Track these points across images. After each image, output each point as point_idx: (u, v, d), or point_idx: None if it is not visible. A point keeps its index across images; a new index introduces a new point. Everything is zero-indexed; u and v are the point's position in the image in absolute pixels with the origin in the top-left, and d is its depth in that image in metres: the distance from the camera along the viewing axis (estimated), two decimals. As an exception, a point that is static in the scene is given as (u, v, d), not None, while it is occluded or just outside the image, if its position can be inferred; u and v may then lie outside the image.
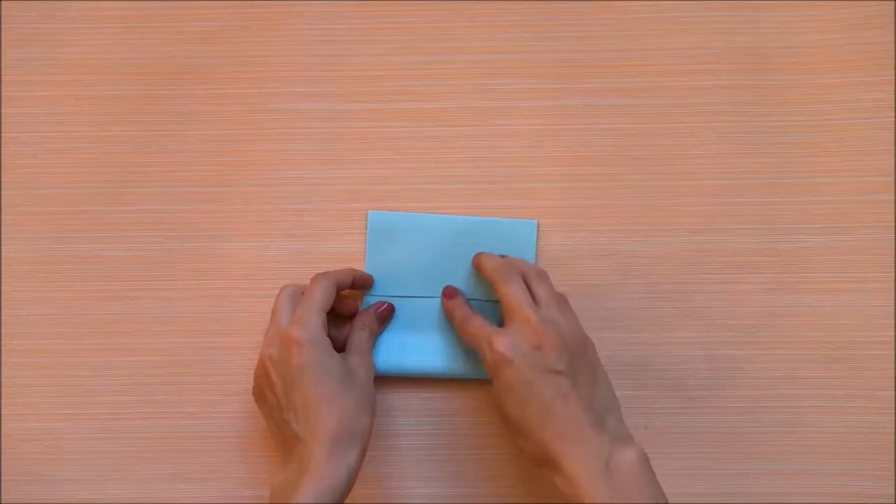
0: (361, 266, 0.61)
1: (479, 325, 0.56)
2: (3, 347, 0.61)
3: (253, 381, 0.57)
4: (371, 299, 0.61)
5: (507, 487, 0.61)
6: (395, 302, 0.61)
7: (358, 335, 0.58)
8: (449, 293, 0.60)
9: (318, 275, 0.58)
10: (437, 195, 0.62)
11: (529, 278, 0.56)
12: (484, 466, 0.61)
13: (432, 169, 0.62)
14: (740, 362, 0.60)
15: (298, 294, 0.58)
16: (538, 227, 0.61)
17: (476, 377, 0.60)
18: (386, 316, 0.60)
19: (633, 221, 0.61)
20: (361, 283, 0.60)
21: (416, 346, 0.60)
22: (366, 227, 0.62)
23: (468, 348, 0.58)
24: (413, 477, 0.61)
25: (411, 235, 0.61)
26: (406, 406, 0.61)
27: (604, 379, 0.54)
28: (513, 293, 0.55)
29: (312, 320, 0.55)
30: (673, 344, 0.60)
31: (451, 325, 0.59)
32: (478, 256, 0.59)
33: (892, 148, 0.61)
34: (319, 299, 0.56)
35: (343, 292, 0.59)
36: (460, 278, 0.60)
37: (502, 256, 0.59)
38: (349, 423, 0.53)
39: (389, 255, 0.61)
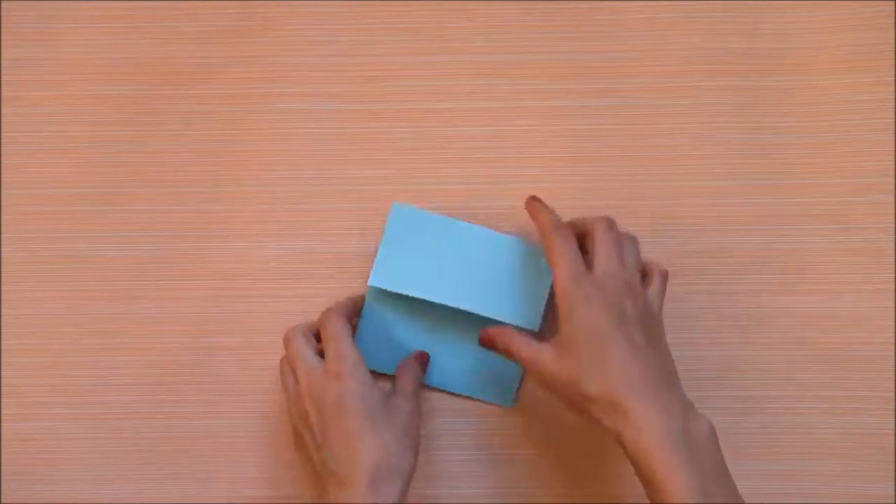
0: (369, 258, 0.61)
1: (573, 249, 0.53)
2: (2, 347, 0.61)
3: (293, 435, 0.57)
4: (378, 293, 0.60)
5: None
6: (401, 301, 0.60)
7: (404, 379, 0.57)
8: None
9: (329, 311, 0.57)
10: (437, 195, 0.62)
11: (622, 240, 0.55)
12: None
13: (431, 169, 0.62)
14: (738, 363, 0.60)
15: (308, 333, 0.56)
16: None
17: (481, 397, 0.60)
18: (426, 361, 0.60)
19: (631, 222, 0.61)
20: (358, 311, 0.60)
21: (417, 347, 0.60)
22: (382, 222, 0.61)
23: (473, 363, 0.59)
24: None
25: (433, 236, 0.60)
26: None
27: (668, 351, 0.54)
28: (605, 240, 0.54)
29: (350, 352, 0.54)
30: (671, 344, 0.60)
31: (470, 329, 0.59)
32: (531, 205, 0.57)
33: (892, 149, 0.61)
34: (346, 333, 0.55)
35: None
36: (475, 292, 0.59)
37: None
38: (389, 460, 0.51)
39: (406, 251, 0.60)
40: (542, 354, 0.53)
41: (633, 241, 0.56)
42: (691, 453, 0.48)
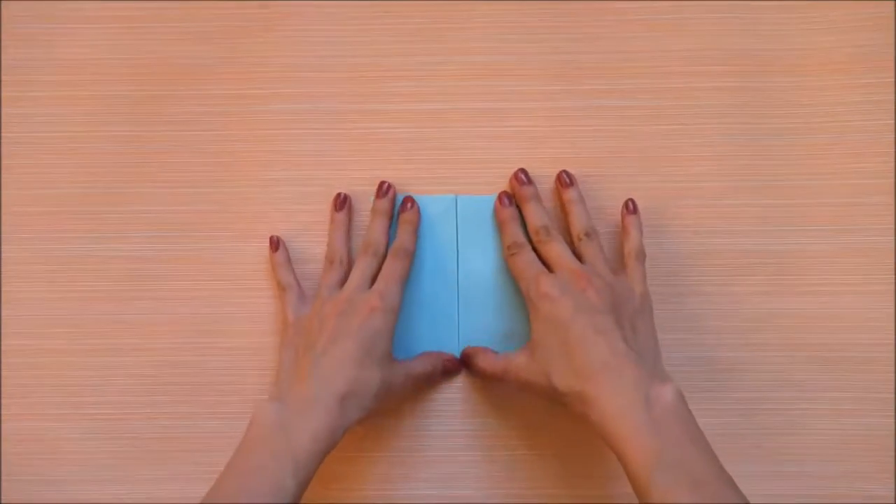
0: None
1: (529, 261, 0.57)
2: (2, 348, 0.61)
3: (289, 315, 0.59)
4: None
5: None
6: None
7: (420, 363, 0.59)
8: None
9: (398, 249, 0.59)
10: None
11: (581, 238, 0.58)
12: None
13: (430, 170, 0.62)
14: (738, 364, 0.60)
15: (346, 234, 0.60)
16: None
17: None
18: (451, 369, 0.61)
19: (632, 222, 0.61)
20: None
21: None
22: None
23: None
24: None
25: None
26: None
27: (649, 328, 0.55)
28: (557, 250, 0.57)
29: (396, 299, 0.56)
30: (670, 345, 0.60)
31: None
32: (524, 206, 0.60)
33: (892, 150, 0.61)
34: (404, 282, 0.58)
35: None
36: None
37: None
38: (363, 390, 0.53)
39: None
40: (512, 363, 0.56)
41: (592, 234, 0.58)
42: (651, 417, 0.48)
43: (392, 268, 0.58)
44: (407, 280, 0.59)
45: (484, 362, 0.58)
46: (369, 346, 0.54)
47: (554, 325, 0.53)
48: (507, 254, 0.59)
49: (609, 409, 0.49)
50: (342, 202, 0.61)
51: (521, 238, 0.59)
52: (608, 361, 0.50)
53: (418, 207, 0.61)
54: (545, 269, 0.57)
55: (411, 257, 0.59)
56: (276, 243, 0.61)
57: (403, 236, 0.60)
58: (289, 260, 0.61)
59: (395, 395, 0.56)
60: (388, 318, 0.55)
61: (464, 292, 0.61)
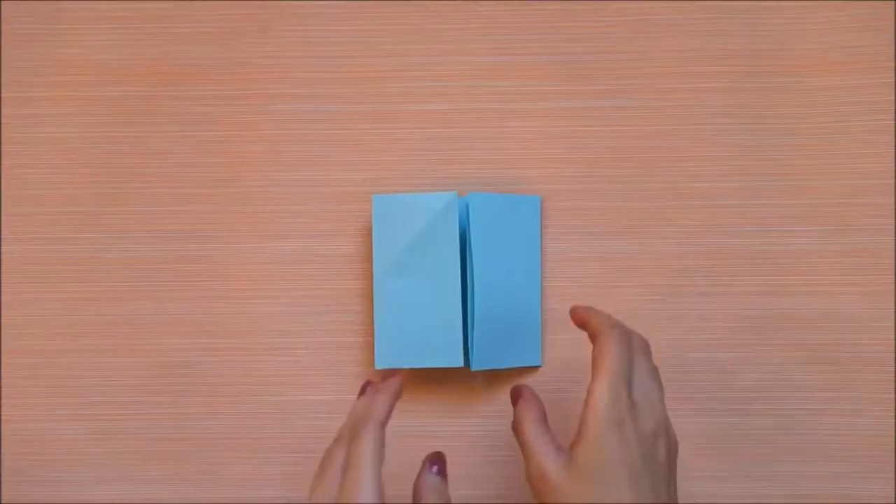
0: (367, 260, 0.61)
1: (625, 342, 0.48)
2: (2, 348, 0.62)
3: None
4: (386, 287, 0.59)
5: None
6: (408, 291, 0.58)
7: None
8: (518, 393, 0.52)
9: (369, 419, 0.47)
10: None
11: (634, 348, 0.49)
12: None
13: (430, 171, 0.62)
14: (737, 364, 0.60)
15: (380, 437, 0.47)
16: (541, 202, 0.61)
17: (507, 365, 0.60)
18: (443, 468, 0.50)
19: (629, 223, 0.61)
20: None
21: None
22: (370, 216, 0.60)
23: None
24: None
25: (413, 216, 0.58)
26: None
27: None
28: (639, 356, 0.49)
29: (369, 492, 0.44)
30: (670, 346, 0.60)
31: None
32: (581, 310, 0.52)
33: (891, 150, 0.61)
34: (376, 460, 0.46)
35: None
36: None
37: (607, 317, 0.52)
38: None
39: (395, 239, 0.59)
40: (549, 457, 0.48)
41: (645, 348, 0.51)
42: None
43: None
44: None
45: (524, 426, 0.50)
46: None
47: (612, 470, 0.45)
48: (601, 322, 0.50)
49: None
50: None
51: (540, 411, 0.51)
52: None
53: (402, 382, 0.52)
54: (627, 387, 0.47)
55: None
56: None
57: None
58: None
59: None
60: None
61: (479, 298, 0.58)
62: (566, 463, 0.46)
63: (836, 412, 0.60)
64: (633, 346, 0.49)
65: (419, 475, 0.49)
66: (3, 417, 0.61)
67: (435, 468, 0.50)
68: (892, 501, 0.59)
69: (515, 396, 0.52)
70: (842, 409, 0.60)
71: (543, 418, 0.50)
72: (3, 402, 0.61)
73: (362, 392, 0.51)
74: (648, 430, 0.46)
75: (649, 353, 0.50)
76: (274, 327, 0.61)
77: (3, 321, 0.62)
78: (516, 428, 0.50)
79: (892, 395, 0.60)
